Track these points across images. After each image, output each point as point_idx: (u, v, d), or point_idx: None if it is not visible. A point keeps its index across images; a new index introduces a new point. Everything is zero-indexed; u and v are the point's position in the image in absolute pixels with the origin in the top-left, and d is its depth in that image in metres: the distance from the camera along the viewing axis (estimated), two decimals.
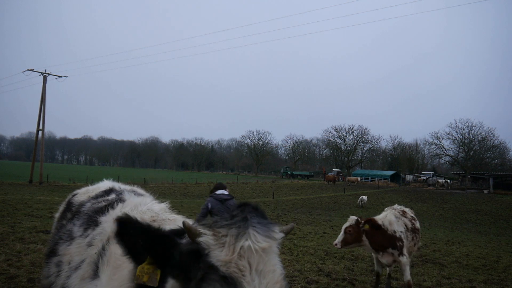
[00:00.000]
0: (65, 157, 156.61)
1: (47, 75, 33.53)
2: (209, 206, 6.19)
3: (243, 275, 1.24)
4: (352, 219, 6.05)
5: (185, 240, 1.42)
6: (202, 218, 5.84)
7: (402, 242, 6.06)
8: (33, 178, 31.64)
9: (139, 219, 1.44)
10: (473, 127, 64.57)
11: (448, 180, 58.45)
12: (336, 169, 73.02)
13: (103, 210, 2.30)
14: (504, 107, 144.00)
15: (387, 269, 7.11)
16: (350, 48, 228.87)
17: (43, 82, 33.22)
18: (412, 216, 6.78)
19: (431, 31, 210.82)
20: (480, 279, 7.96)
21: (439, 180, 56.70)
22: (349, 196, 35.16)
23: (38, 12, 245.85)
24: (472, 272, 8.72)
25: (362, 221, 5.99)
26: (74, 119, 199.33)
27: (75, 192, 3.06)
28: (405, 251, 6.07)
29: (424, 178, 63.26)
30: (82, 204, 2.64)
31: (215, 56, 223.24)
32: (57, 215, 2.98)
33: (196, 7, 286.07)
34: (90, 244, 2.06)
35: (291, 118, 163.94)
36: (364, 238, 5.97)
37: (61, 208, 2.99)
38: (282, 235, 1.43)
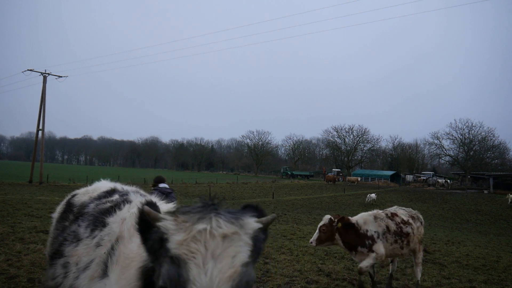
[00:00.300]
0: (65, 157, 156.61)
1: (47, 75, 33.56)
2: None
3: (193, 257, 1.23)
4: (326, 218, 6.13)
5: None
6: None
7: (373, 241, 6.01)
8: (33, 178, 31.65)
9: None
10: (473, 127, 64.67)
11: (448, 180, 58.44)
12: (336, 169, 73.00)
13: (109, 211, 2.30)
14: (504, 107, 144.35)
15: (389, 269, 7.12)
16: (350, 48, 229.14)
17: (43, 82, 33.24)
18: (403, 220, 6.39)
19: (431, 31, 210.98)
20: (480, 279, 7.96)
21: (439, 180, 56.70)
22: (349, 196, 35.17)
23: (38, 12, 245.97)
24: (472, 272, 8.72)
25: (336, 220, 6.03)
26: (74, 119, 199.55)
27: (74, 193, 3.00)
28: (378, 249, 5.97)
29: (424, 178, 63.23)
30: (84, 205, 2.62)
31: (215, 56, 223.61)
32: (55, 215, 2.91)
33: (196, 7, 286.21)
34: (98, 245, 2.07)
35: (291, 118, 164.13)
36: (337, 236, 6.03)
37: (60, 209, 2.92)
38: (256, 225, 1.40)
